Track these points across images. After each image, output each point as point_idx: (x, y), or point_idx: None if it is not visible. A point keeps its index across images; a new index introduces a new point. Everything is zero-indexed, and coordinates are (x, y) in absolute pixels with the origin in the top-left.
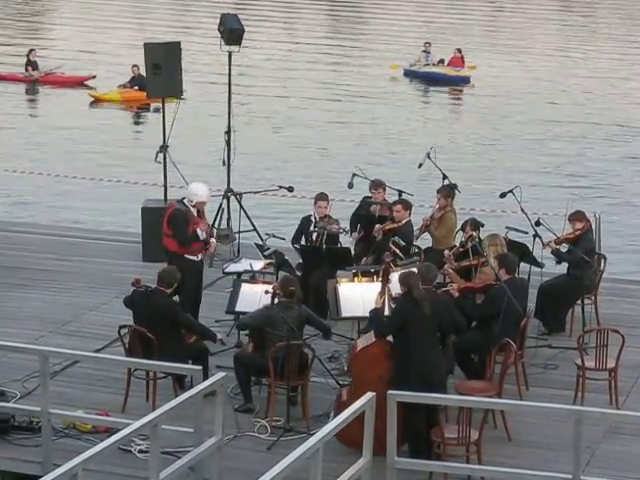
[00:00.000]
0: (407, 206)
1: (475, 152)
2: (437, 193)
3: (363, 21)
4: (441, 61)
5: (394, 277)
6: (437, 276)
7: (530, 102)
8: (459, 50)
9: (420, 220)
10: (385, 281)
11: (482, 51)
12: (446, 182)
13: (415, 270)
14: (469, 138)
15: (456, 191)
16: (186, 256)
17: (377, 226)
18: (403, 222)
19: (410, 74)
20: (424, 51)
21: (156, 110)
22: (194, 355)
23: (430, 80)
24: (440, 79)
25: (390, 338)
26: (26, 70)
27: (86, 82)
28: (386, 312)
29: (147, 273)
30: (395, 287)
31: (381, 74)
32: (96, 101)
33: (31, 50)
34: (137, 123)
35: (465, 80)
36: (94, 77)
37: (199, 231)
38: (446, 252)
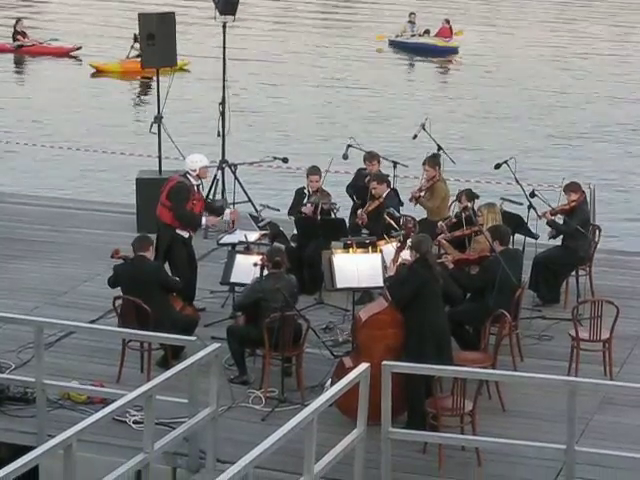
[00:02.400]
0: (382, 179)
1: (468, 123)
2: (423, 165)
3: None
4: (427, 31)
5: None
6: (432, 247)
7: (522, 73)
8: (447, 21)
9: (409, 193)
10: (402, 247)
11: (474, 24)
12: (433, 153)
13: (426, 236)
14: (462, 109)
15: (451, 162)
16: (177, 230)
17: (359, 212)
18: (384, 195)
19: (396, 45)
20: (409, 22)
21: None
22: (185, 323)
23: (417, 51)
24: (428, 49)
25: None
26: (14, 40)
27: (72, 53)
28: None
29: None
30: (405, 254)
31: (368, 44)
32: (97, 72)
33: (18, 20)
34: (134, 93)
35: (453, 51)
36: (79, 48)
37: (204, 219)
38: (440, 224)
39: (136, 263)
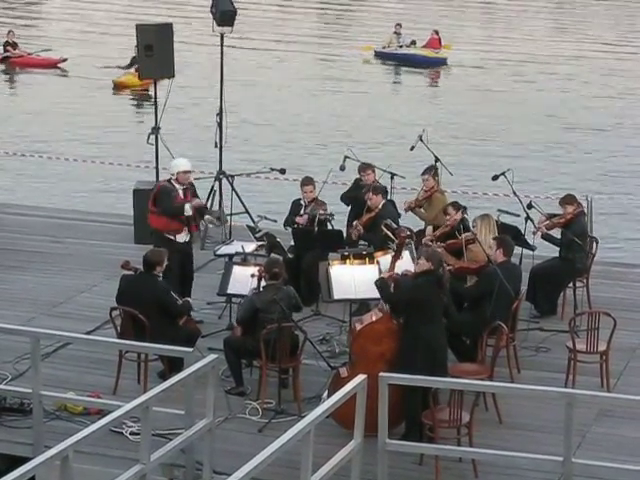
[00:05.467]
0: (377, 190)
1: (465, 133)
2: (423, 174)
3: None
4: (413, 42)
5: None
6: (442, 260)
7: (514, 83)
8: (436, 32)
9: (401, 204)
10: (397, 256)
11: (466, 35)
12: (431, 164)
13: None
14: (457, 119)
15: (449, 174)
16: (166, 235)
17: (354, 223)
18: (380, 206)
19: (383, 56)
20: (395, 33)
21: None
22: (185, 338)
23: (406, 62)
24: (417, 61)
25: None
26: (5, 51)
27: (59, 64)
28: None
29: (139, 255)
30: (404, 265)
31: (355, 55)
32: (118, 87)
33: (9, 31)
34: (132, 105)
35: (442, 62)
36: (66, 60)
37: (187, 206)
38: (424, 240)
39: (145, 280)
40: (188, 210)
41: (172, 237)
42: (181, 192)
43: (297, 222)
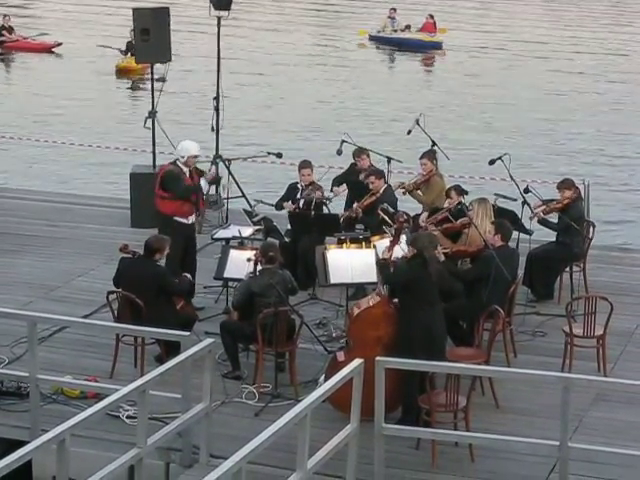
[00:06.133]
0: (380, 175)
1: (460, 117)
2: (421, 158)
3: None
4: (407, 27)
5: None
6: (434, 244)
7: (510, 67)
8: (431, 16)
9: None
10: (396, 241)
11: (461, 21)
12: (430, 148)
13: (426, 233)
14: (453, 103)
15: (446, 158)
16: (176, 219)
17: (354, 205)
18: (381, 191)
19: (378, 40)
20: (389, 17)
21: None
22: (182, 323)
23: (401, 46)
24: (412, 45)
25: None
26: (0, 35)
27: (53, 49)
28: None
29: (135, 239)
30: (401, 249)
31: (351, 40)
32: (121, 72)
33: (5, 15)
34: (128, 90)
35: (437, 46)
36: (60, 44)
37: (203, 181)
38: (422, 221)
39: (143, 264)
40: (205, 185)
41: (183, 220)
42: (187, 174)
43: (285, 208)
